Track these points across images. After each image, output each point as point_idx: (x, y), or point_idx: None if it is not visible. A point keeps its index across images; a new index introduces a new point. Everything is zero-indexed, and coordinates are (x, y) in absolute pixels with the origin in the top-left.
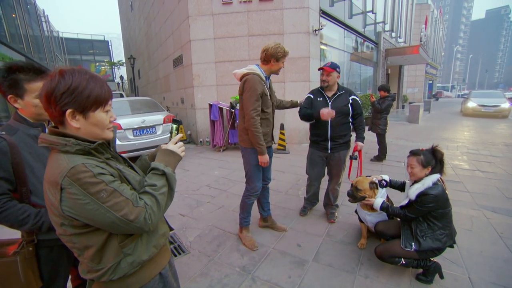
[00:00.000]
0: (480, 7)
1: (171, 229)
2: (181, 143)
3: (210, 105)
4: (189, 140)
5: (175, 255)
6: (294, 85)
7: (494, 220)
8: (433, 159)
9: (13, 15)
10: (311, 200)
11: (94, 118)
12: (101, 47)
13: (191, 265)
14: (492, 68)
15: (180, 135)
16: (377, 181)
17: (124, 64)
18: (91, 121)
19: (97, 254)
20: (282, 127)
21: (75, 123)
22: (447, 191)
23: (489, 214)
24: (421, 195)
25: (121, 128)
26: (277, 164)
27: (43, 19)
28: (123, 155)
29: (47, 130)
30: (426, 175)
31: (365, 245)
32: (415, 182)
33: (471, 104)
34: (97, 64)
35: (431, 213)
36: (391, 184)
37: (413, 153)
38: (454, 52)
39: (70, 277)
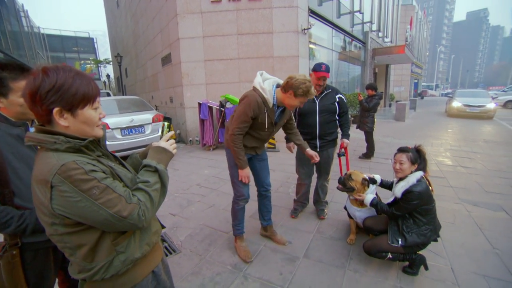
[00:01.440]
0: (462, 9)
1: (163, 227)
2: (172, 141)
3: (200, 104)
4: (178, 139)
5: (166, 255)
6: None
7: (475, 213)
8: (418, 157)
9: None
10: (301, 201)
11: (82, 115)
12: (86, 44)
13: (182, 264)
14: (473, 68)
15: (171, 132)
16: (368, 178)
17: (111, 63)
18: (80, 119)
19: (89, 252)
20: None
21: (63, 122)
22: (431, 187)
23: (470, 207)
24: (406, 193)
25: (109, 128)
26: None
27: (22, 14)
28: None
29: (31, 129)
30: (411, 172)
31: (354, 241)
32: (400, 179)
33: (456, 104)
34: (82, 62)
35: (416, 210)
36: (382, 184)
37: (403, 150)
38: (438, 52)
39: (57, 280)
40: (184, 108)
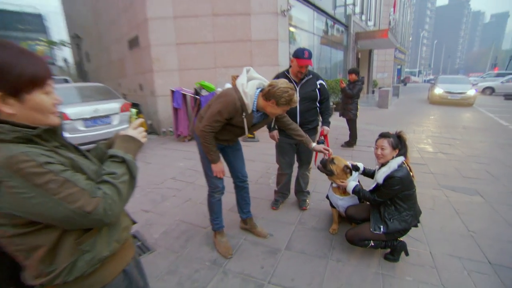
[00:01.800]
0: None
1: (133, 222)
2: (141, 128)
3: (172, 92)
4: (150, 131)
5: (140, 254)
6: (261, 69)
7: (453, 198)
8: (399, 143)
9: None
10: (282, 191)
11: (32, 101)
12: (34, 22)
13: (157, 263)
14: (454, 54)
15: (140, 119)
16: (351, 166)
17: (69, 45)
18: (28, 105)
19: (48, 254)
20: None
21: (7, 108)
22: (412, 173)
23: (449, 192)
24: (388, 178)
25: (69, 119)
26: (247, 153)
27: None
28: None
29: None
30: (393, 158)
31: (336, 230)
32: (382, 165)
33: (438, 90)
34: (31, 42)
35: (397, 195)
36: (364, 172)
37: (384, 135)
38: (421, 37)
39: None
40: (155, 96)
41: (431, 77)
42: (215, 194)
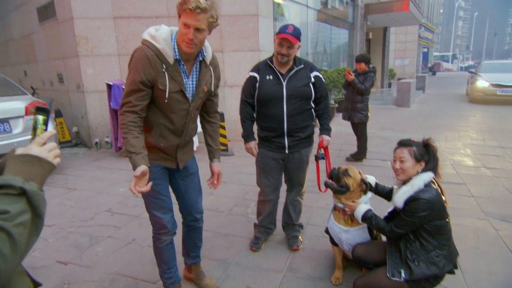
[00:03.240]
0: None
1: (37, 284)
2: (52, 144)
3: (109, 86)
4: (76, 142)
5: None
6: (237, 56)
7: (505, 232)
8: (426, 154)
9: None
10: (265, 225)
11: None
12: None
13: None
14: (502, 31)
15: (50, 131)
16: (368, 183)
17: None
18: None
19: None
20: (221, 118)
21: None
22: (445, 197)
23: (498, 224)
24: (410, 201)
25: None
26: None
27: None
28: None
29: None
30: (418, 173)
31: (341, 280)
32: (403, 184)
33: (482, 83)
34: None
35: (424, 227)
36: (376, 189)
37: (404, 143)
38: (456, 9)
39: None
40: (83, 92)
41: (471, 63)
42: (162, 236)
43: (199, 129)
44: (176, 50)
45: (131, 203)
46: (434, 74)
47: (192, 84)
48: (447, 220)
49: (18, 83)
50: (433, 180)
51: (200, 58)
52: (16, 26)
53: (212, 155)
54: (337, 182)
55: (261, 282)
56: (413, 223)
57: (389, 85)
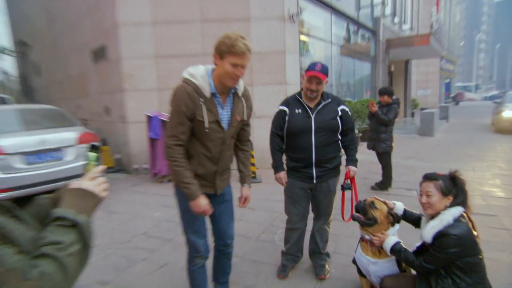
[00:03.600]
0: None
1: None
2: (101, 179)
3: (149, 118)
4: (118, 168)
5: None
6: (265, 89)
7: None
8: (454, 187)
9: None
10: (292, 253)
11: None
12: None
13: None
14: None
15: (101, 167)
16: (396, 214)
17: (12, 54)
18: None
19: None
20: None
21: None
22: (476, 231)
23: None
24: (439, 237)
25: (4, 153)
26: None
27: None
28: (8, 194)
29: None
30: (446, 208)
31: None
32: (431, 218)
33: (508, 113)
34: None
35: (455, 263)
36: (405, 216)
37: (429, 177)
38: (476, 41)
39: None
40: (126, 123)
41: (495, 92)
42: (196, 259)
43: None
44: (212, 84)
45: (165, 227)
46: (457, 104)
47: (227, 114)
48: (481, 256)
49: (72, 115)
50: (463, 214)
51: (233, 91)
52: (73, 65)
53: (243, 180)
54: (364, 215)
55: None
56: (443, 259)
57: (412, 115)
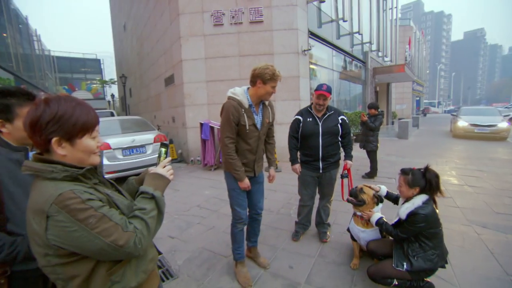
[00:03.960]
0: (458, 29)
1: (159, 253)
2: (169, 167)
3: (201, 124)
4: (180, 159)
5: (163, 280)
6: (284, 104)
7: (485, 236)
8: (423, 180)
9: (4, 35)
10: (303, 223)
11: (81, 144)
12: (93, 65)
13: None
14: (474, 85)
15: (168, 158)
16: (379, 195)
17: (116, 83)
18: (78, 148)
19: (83, 284)
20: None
21: (61, 151)
22: (437, 210)
23: (480, 229)
24: (411, 215)
25: (110, 148)
26: (269, 183)
27: (35, 38)
28: (112, 175)
29: (30, 154)
30: (415, 195)
31: (358, 265)
32: (406, 200)
33: (462, 123)
34: (88, 82)
35: (422, 233)
36: (387, 196)
37: (402, 172)
38: (438, 70)
39: None
40: (186, 128)
41: (452, 107)
42: (238, 224)
43: None
44: (249, 98)
45: (212, 202)
46: (425, 115)
47: (260, 119)
48: (440, 228)
49: (151, 123)
50: (431, 198)
51: (262, 103)
52: (153, 89)
53: (270, 164)
54: (355, 198)
55: (299, 264)
56: (413, 231)
57: (392, 123)
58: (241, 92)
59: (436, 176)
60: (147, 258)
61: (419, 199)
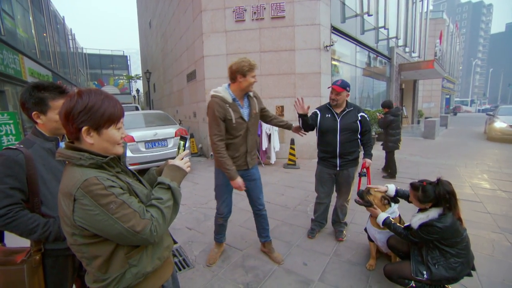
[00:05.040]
0: (500, 20)
1: (175, 242)
2: (187, 159)
3: None
4: (200, 153)
5: (180, 269)
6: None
7: None
8: (434, 196)
9: (44, 34)
10: (319, 220)
11: (106, 134)
12: (120, 61)
13: (195, 280)
14: None
15: (186, 151)
16: (390, 196)
17: (141, 78)
18: (104, 137)
19: (104, 264)
20: (292, 142)
21: (89, 139)
22: (461, 215)
23: None
24: (425, 225)
25: (134, 141)
26: (287, 179)
27: (70, 37)
28: (135, 167)
29: (61, 144)
30: (426, 208)
31: (374, 266)
32: (420, 210)
33: (500, 124)
34: (116, 77)
35: (438, 241)
36: (398, 195)
37: (412, 186)
38: (473, 66)
39: (74, 286)
40: (206, 123)
41: (488, 106)
42: (219, 218)
43: (277, 148)
44: (231, 93)
45: None
46: (455, 114)
47: (247, 111)
48: (463, 236)
49: (173, 117)
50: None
51: (247, 95)
52: (175, 84)
53: (287, 125)
54: (362, 199)
55: (314, 261)
56: (425, 239)
57: (418, 122)
58: (222, 89)
59: (449, 192)
60: (163, 245)
61: (435, 212)
